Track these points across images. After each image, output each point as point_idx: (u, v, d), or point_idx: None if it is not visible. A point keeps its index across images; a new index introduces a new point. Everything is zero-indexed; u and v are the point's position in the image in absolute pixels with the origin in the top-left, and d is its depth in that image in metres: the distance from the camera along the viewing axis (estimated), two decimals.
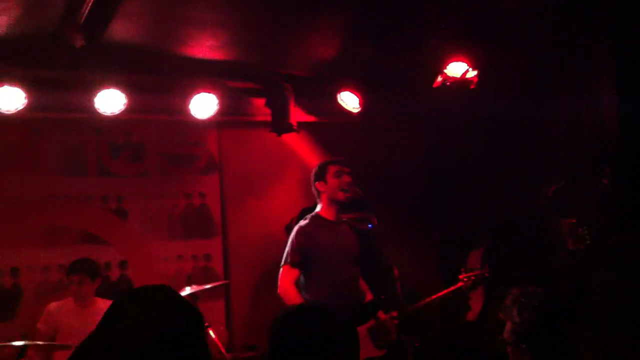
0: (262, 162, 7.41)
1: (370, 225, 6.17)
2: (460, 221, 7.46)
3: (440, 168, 7.92)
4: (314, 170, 5.59)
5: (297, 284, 5.30)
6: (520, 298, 3.02)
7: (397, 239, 6.69)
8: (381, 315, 5.34)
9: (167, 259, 6.93)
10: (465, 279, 5.67)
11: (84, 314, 5.84)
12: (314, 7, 5.44)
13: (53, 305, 5.89)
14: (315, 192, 5.55)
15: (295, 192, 7.24)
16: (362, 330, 5.22)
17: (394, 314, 5.28)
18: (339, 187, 5.44)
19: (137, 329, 1.92)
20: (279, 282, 5.30)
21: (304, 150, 7.48)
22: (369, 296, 5.62)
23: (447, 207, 7.78)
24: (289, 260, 5.31)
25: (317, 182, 5.49)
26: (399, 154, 7.83)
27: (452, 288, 5.69)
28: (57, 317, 5.81)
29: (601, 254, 5.17)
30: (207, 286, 5.83)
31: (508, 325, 3.05)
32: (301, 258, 5.29)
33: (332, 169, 5.46)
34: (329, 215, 5.47)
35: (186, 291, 5.64)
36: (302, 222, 5.46)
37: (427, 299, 5.61)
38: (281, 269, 5.33)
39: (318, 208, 5.52)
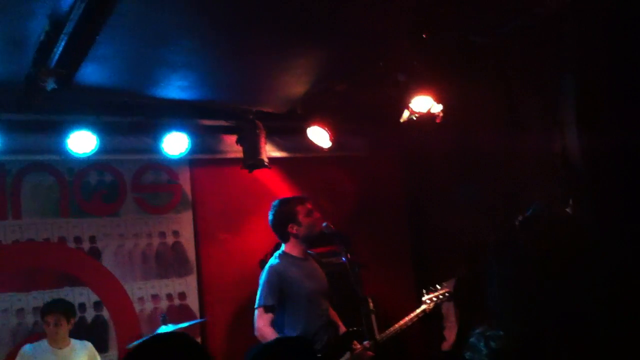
0: (236, 199, 7.46)
1: (343, 259, 6.23)
2: (436, 249, 7.56)
3: (416, 197, 8.04)
4: (277, 213, 5.57)
5: (273, 324, 5.32)
6: (485, 332, 3.08)
7: (375, 267, 6.77)
8: (356, 346, 5.38)
9: (142, 298, 6.92)
10: (428, 301, 5.67)
11: (59, 355, 5.83)
12: (284, 47, 5.54)
13: (27, 347, 5.86)
14: (282, 234, 5.56)
15: (269, 227, 7.28)
16: None
17: (367, 344, 5.32)
18: (313, 226, 5.51)
19: None
20: (255, 325, 5.30)
21: (277, 186, 7.55)
22: (342, 328, 5.66)
23: (424, 235, 7.89)
24: (263, 302, 5.32)
25: (288, 226, 5.50)
26: (377, 184, 7.95)
27: (417, 312, 5.64)
28: (32, 358, 5.77)
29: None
30: (183, 325, 5.84)
31: None
32: (276, 298, 5.32)
33: (301, 210, 5.50)
34: (298, 253, 5.52)
35: (162, 330, 5.65)
36: (273, 262, 5.48)
37: (394, 327, 5.60)
38: (256, 311, 5.33)
39: (285, 247, 5.56)
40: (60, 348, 5.87)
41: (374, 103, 6.93)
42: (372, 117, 7.45)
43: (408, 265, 8.05)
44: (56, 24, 4.77)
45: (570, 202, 5.32)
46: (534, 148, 6.20)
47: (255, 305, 5.36)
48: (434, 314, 6.00)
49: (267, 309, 5.29)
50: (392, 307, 6.42)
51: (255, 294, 5.48)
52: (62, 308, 5.92)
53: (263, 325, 5.25)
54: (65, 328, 5.86)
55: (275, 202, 5.66)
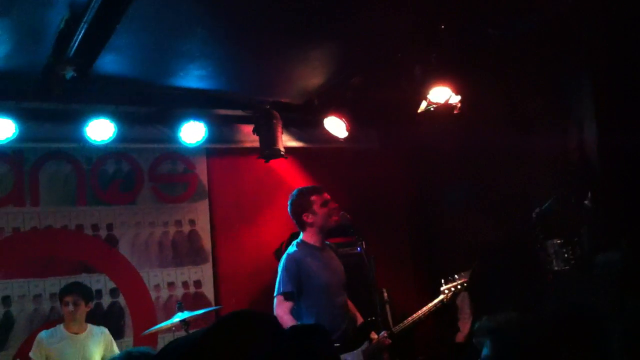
0: (251, 188, 7.49)
1: (359, 249, 6.23)
2: (446, 244, 7.55)
3: (427, 191, 8.03)
4: (294, 203, 5.59)
5: (292, 311, 5.33)
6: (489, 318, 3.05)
7: (383, 260, 6.78)
8: (373, 336, 5.40)
9: (158, 285, 6.98)
10: (446, 291, 5.66)
11: (75, 339, 5.86)
12: (301, 40, 5.55)
13: (44, 333, 5.90)
14: (299, 223, 5.58)
15: (284, 217, 7.21)
16: (357, 353, 5.28)
17: (385, 334, 5.33)
18: (329, 216, 5.52)
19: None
20: (275, 313, 5.31)
21: (292, 176, 7.56)
22: (359, 319, 5.67)
23: (434, 230, 7.89)
24: (282, 290, 5.32)
25: (304, 215, 5.52)
26: (386, 177, 7.94)
27: (435, 302, 5.59)
28: (49, 344, 5.81)
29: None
30: (199, 312, 5.87)
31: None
32: (294, 286, 5.32)
33: (317, 200, 5.51)
34: (315, 242, 5.52)
35: (177, 317, 5.69)
36: (291, 251, 5.49)
37: (412, 317, 5.61)
38: (275, 299, 5.34)
39: (303, 235, 5.58)
40: (77, 333, 5.90)
41: (387, 97, 6.93)
42: (385, 110, 7.44)
43: (408, 258, 8.03)
44: (76, 12, 4.80)
45: (589, 194, 5.30)
46: (539, 147, 6.18)
47: (275, 293, 5.36)
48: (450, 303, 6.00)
49: (286, 296, 5.30)
50: (398, 299, 6.40)
51: (270, 282, 5.49)
52: (81, 290, 5.97)
53: (282, 313, 5.25)
54: (82, 310, 5.89)
55: (293, 192, 5.70)
